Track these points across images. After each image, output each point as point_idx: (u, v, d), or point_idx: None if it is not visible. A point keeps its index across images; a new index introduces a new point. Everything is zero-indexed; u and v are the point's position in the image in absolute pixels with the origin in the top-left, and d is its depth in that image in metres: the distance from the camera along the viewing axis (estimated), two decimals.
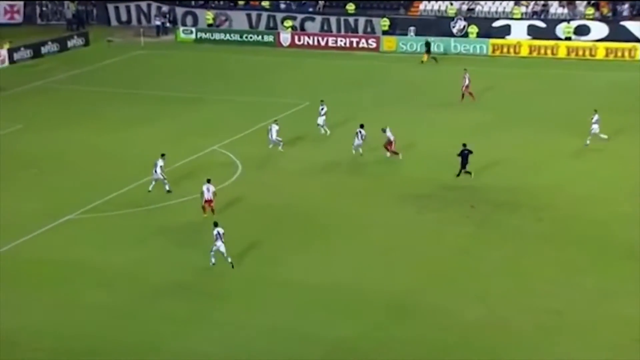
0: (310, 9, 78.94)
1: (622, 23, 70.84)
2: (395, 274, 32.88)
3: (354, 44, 74.41)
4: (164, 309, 30.56)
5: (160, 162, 40.67)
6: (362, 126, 45.55)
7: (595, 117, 46.37)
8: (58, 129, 51.50)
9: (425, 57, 68.57)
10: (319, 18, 77.60)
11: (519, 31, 72.33)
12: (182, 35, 78.97)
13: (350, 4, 77.60)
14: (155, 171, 40.60)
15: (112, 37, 78.59)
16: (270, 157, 46.26)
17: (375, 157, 45.42)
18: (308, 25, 77.71)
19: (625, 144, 46.93)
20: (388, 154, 45.21)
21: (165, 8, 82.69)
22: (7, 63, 69.53)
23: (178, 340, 28.56)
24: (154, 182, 40.91)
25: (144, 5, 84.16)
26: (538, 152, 46.27)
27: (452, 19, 74.13)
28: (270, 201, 40.18)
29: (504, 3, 75.14)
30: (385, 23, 74.99)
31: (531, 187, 41.28)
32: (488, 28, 72.91)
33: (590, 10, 72.42)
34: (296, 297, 31.16)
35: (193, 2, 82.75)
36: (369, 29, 76.15)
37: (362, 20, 76.46)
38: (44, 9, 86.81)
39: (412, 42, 72.69)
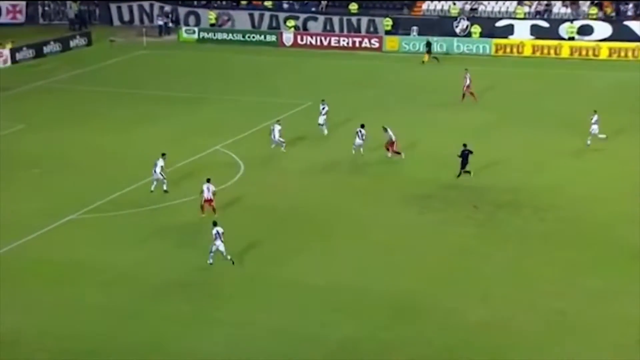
0: (313, 9, 78.88)
1: (626, 23, 70.72)
2: (398, 274, 32.80)
3: (357, 44, 74.35)
4: (166, 309, 30.51)
5: (160, 162, 40.62)
6: (362, 126, 45.51)
7: (595, 117, 46.31)
8: (60, 129, 51.47)
9: (426, 57, 68.50)
10: (321, 18, 77.56)
11: (522, 31, 72.25)
12: (184, 35, 78.94)
13: (353, 3, 77.52)
14: (155, 171, 40.55)
15: (115, 37, 78.58)
16: (272, 157, 46.21)
17: (377, 157, 45.35)
18: (311, 25, 77.67)
19: (628, 144, 46.83)
20: (389, 154, 45.13)
21: (167, 8, 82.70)
22: (9, 63, 69.52)
23: (180, 340, 28.50)
24: (155, 182, 40.85)
25: (146, 5, 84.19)
26: (540, 152, 46.18)
27: (455, 18, 74.04)
28: (272, 201, 40.12)
29: (507, 3, 75.03)
30: (388, 23, 74.93)
31: (533, 187, 41.19)
32: (491, 28, 72.83)
33: (594, 10, 72.30)
34: (298, 297, 31.09)
35: (195, 2, 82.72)
36: (371, 29, 76.10)
37: (364, 20, 76.41)
38: (47, 8, 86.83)
39: (415, 42, 72.60)
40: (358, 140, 45.29)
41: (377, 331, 28.86)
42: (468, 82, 55.57)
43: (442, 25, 73.85)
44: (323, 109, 49.84)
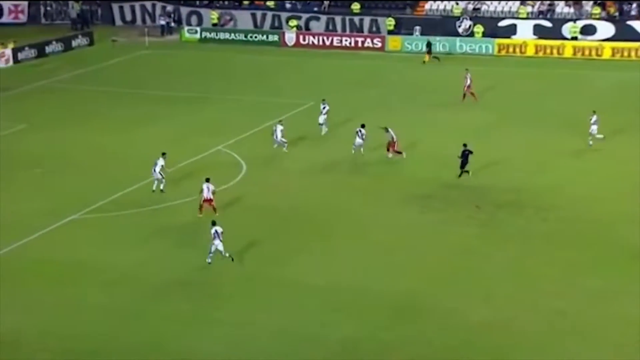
0: (315, 9, 78.90)
1: (629, 23, 70.71)
2: (398, 274, 32.77)
3: (359, 44, 74.35)
4: (167, 309, 30.51)
5: (160, 162, 40.62)
6: (363, 126, 45.54)
7: (594, 117, 46.26)
8: (62, 129, 51.47)
9: (427, 58, 68.49)
10: (324, 18, 77.55)
11: (524, 31, 72.24)
12: (186, 34, 78.97)
13: (356, 3, 77.52)
14: (155, 170, 40.55)
15: (117, 36, 78.59)
16: (274, 157, 46.20)
17: (378, 157, 45.34)
18: (313, 24, 77.66)
19: (630, 144, 46.79)
20: (390, 155, 45.10)
21: (169, 8, 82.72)
22: (11, 63, 69.56)
23: (181, 340, 28.50)
24: (156, 182, 40.86)
25: (148, 4, 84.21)
26: (542, 152, 46.15)
27: (458, 18, 74.04)
28: (274, 201, 40.11)
29: (510, 3, 74.99)
30: (390, 23, 74.94)
31: (535, 187, 41.16)
32: (494, 28, 72.84)
33: (597, 10, 72.23)
34: (299, 297, 31.07)
35: (198, 2, 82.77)
36: (374, 29, 76.09)
37: (367, 20, 76.41)
38: (49, 8, 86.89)
39: (418, 42, 72.56)
40: (358, 140, 45.29)
41: (377, 331, 28.83)
42: (468, 82, 55.57)
43: (444, 25, 73.85)
44: (324, 108, 49.86)
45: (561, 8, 73.77)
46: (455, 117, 52.42)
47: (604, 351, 27.66)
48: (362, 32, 76.09)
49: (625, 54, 68.81)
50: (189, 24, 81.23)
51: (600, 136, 46.25)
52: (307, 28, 77.52)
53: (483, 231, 36.70)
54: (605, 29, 70.78)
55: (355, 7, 77.51)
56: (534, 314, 29.74)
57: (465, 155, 41.71)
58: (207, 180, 37.82)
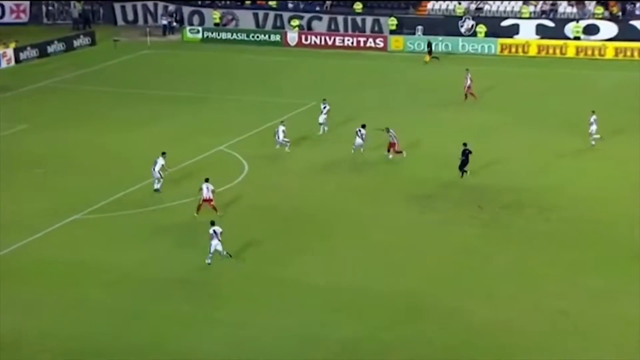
0: (318, 8, 78.84)
1: (632, 22, 70.57)
2: (399, 274, 32.72)
3: (362, 44, 74.28)
4: (168, 309, 30.48)
5: (160, 161, 40.61)
6: (363, 126, 45.55)
7: (593, 117, 46.18)
8: (64, 129, 51.46)
9: (427, 58, 68.44)
10: (326, 17, 77.48)
11: (527, 30, 72.14)
12: (188, 34, 78.95)
13: (358, 3, 77.48)
14: (154, 169, 40.51)
15: (119, 36, 78.51)
16: (276, 157, 46.16)
17: (379, 157, 45.30)
18: (315, 24, 77.60)
19: (632, 144, 46.67)
20: (390, 155, 45.03)
21: (171, 7, 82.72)
22: (13, 62, 69.58)
23: (182, 340, 28.47)
24: (155, 181, 40.82)
25: (150, 4, 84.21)
26: (544, 152, 46.07)
27: (460, 18, 73.97)
28: (275, 201, 40.08)
29: (513, 2, 74.91)
30: (392, 22, 74.85)
31: (537, 188, 41.08)
32: (496, 27, 72.74)
33: (600, 10, 72.13)
34: (299, 297, 31.03)
35: (200, 2, 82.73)
36: (376, 29, 76.01)
37: (369, 20, 76.32)
38: (50, 8, 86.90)
39: (420, 42, 72.45)
40: (358, 140, 45.28)
41: (377, 331, 28.77)
42: (469, 82, 55.53)
43: (447, 24, 73.76)
44: (324, 108, 49.83)
45: (564, 8, 73.67)
46: (457, 117, 52.38)
47: (606, 351, 27.60)
48: (365, 32, 76.00)
49: (628, 53, 68.68)
50: (190, 23, 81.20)
51: (597, 136, 46.17)
52: (309, 28, 77.48)
53: (484, 231, 36.63)
54: (608, 28, 70.65)
55: (358, 6, 77.45)
56: (536, 314, 29.68)
57: (465, 155, 41.64)
58: (207, 180, 37.79)
